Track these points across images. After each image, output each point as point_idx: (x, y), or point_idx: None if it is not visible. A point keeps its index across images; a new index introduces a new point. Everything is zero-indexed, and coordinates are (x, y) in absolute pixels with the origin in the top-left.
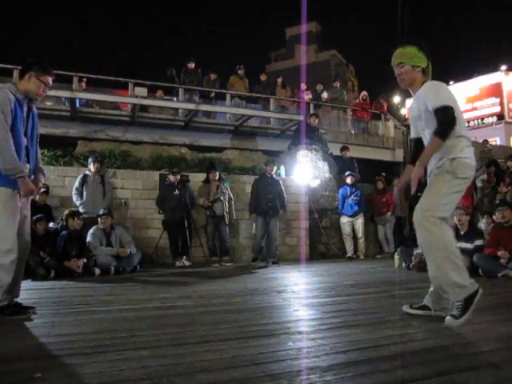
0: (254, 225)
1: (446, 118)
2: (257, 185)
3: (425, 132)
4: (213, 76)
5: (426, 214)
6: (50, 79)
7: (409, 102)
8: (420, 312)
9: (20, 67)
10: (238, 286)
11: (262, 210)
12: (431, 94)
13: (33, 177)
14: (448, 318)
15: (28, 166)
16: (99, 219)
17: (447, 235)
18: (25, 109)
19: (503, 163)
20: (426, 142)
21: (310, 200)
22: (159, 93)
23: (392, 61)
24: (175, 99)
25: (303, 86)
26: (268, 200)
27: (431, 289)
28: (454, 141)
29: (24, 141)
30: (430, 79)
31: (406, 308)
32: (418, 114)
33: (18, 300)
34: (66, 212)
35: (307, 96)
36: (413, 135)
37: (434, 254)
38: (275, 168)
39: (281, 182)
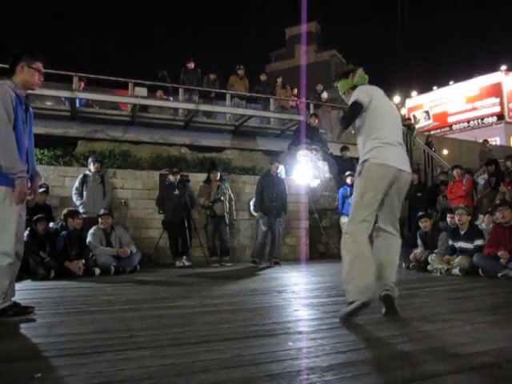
0: (263, 221)
1: (344, 114)
2: (261, 183)
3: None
4: (212, 76)
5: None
6: (40, 65)
7: (409, 102)
8: None
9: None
10: (238, 286)
11: (266, 210)
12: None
13: (29, 184)
14: None
15: (27, 165)
16: (100, 219)
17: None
18: (23, 107)
19: (503, 163)
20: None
21: (310, 200)
22: (159, 93)
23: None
24: (171, 99)
25: (294, 92)
26: (272, 199)
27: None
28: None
29: (25, 140)
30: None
31: None
32: None
33: (16, 300)
34: (65, 212)
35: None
36: None
37: None
38: (280, 167)
39: (285, 182)
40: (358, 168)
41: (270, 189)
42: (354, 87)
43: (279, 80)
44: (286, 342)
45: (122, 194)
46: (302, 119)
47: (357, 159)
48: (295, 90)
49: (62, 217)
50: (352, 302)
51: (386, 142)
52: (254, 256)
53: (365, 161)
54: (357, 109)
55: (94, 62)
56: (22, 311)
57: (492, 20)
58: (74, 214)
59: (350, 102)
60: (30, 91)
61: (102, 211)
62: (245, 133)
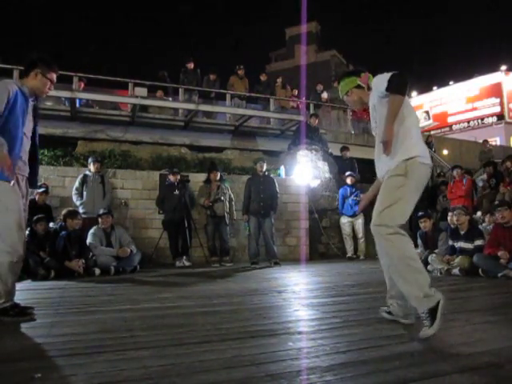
0: (246, 225)
1: (399, 77)
2: (248, 184)
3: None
4: (212, 76)
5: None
6: (54, 76)
7: None
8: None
9: (21, 66)
10: (238, 286)
11: (253, 210)
12: (380, 81)
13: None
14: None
15: (27, 168)
16: (100, 219)
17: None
18: (30, 104)
19: (501, 163)
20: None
21: (310, 200)
22: (159, 93)
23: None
24: (170, 99)
25: (295, 92)
26: (259, 199)
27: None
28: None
29: (27, 133)
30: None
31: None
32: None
33: (16, 300)
34: (64, 212)
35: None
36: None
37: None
38: (265, 166)
39: (275, 181)
40: (401, 165)
41: (256, 189)
42: (358, 87)
43: (279, 80)
44: (286, 342)
45: (122, 194)
46: (302, 119)
47: (357, 159)
48: (295, 91)
49: (62, 217)
50: (437, 305)
51: (420, 137)
52: (251, 258)
53: (410, 158)
54: (407, 77)
55: (94, 62)
56: (23, 312)
57: (492, 20)
58: (73, 214)
59: (381, 89)
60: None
61: (101, 211)
62: (245, 133)
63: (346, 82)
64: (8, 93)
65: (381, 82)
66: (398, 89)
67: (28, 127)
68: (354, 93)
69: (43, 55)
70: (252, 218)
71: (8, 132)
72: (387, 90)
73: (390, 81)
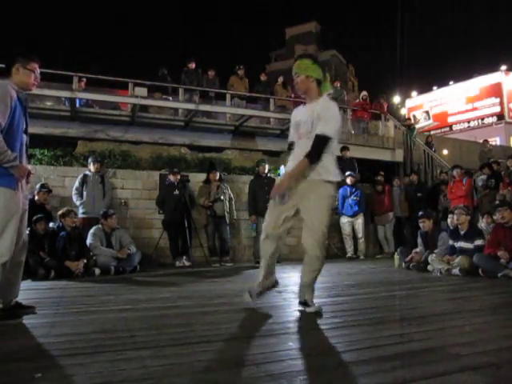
0: (254, 227)
1: (320, 146)
2: (253, 186)
3: (301, 140)
4: (211, 73)
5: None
6: (36, 66)
7: (409, 102)
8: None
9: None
10: (238, 285)
11: (261, 211)
12: (326, 117)
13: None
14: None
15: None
16: (108, 219)
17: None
18: (23, 109)
19: (503, 163)
20: (298, 149)
21: None
22: (157, 95)
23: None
24: (171, 98)
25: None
26: (265, 200)
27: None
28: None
29: (24, 138)
30: (326, 90)
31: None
32: (308, 120)
33: (19, 300)
34: (60, 212)
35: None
36: (291, 139)
37: None
38: (267, 167)
39: (276, 181)
40: (329, 186)
41: (262, 190)
42: (318, 82)
43: (280, 80)
44: (286, 342)
45: (122, 194)
46: None
47: (357, 159)
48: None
49: (58, 217)
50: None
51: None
52: (257, 257)
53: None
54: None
55: (94, 62)
56: (13, 314)
57: (492, 20)
58: (66, 213)
59: (323, 128)
60: (28, 92)
61: (107, 211)
62: (245, 133)
63: (315, 68)
64: (10, 98)
65: (331, 117)
66: (313, 159)
67: (26, 128)
68: (312, 84)
69: (20, 49)
70: (258, 218)
71: (10, 134)
72: (308, 155)
73: (314, 147)
